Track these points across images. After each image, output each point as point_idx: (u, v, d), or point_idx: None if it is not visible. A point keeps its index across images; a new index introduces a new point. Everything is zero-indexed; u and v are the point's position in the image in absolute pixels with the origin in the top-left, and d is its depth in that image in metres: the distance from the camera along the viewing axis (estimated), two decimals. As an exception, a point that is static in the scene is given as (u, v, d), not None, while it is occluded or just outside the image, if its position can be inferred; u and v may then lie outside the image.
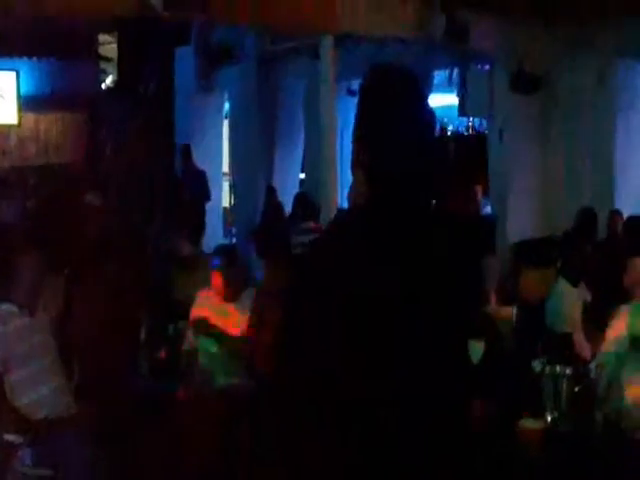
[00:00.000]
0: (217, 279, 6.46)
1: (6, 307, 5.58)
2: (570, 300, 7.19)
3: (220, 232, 13.47)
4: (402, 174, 2.73)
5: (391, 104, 2.74)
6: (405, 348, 2.72)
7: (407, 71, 2.86)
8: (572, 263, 7.52)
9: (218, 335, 6.18)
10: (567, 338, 6.81)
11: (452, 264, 2.80)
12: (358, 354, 2.70)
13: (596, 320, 7.35)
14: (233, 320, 6.23)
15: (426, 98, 2.89)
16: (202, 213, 12.53)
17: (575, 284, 7.31)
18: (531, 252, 9.11)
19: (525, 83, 11.48)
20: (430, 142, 2.80)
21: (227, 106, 14.57)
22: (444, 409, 2.79)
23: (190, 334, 6.30)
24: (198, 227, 11.37)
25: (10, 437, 5.09)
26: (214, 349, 6.19)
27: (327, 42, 9.53)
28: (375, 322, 2.69)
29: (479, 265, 3.08)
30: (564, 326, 6.99)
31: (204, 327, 6.21)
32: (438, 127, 17.10)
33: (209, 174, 13.40)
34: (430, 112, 2.81)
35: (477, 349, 4.72)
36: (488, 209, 12.77)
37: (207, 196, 12.99)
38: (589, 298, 7.54)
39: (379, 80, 2.82)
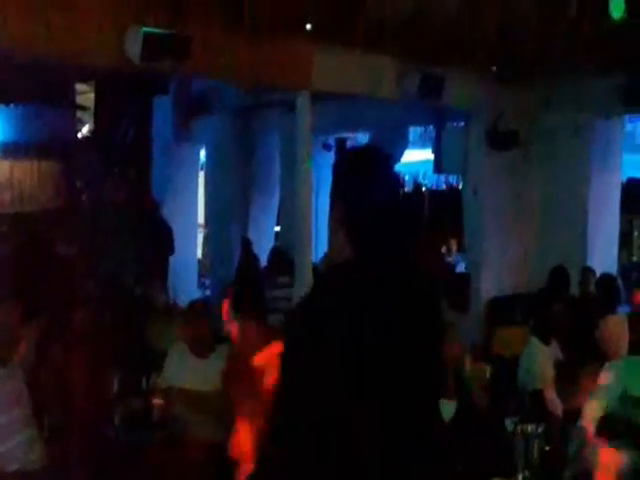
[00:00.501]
0: (189, 334, 6.44)
1: (-22, 358, 5.56)
2: (541, 358, 7.25)
3: (195, 284, 13.45)
4: (381, 234, 3.02)
5: (367, 174, 3.05)
6: (398, 394, 2.95)
7: (379, 149, 3.28)
8: (543, 321, 7.57)
9: (188, 398, 6.13)
10: (538, 396, 6.86)
11: (431, 315, 3.13)
12: (359, 402, 2.89)
13: (568, 378, 7.40)
14: (204, 376, 6.17)
15: (394, 170, 3.20)
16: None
17: (546, 342, 7.37)
18: (504, 310, 9.21)
19: (500, 139, 11.56)
20: (403, 204, 3.16)
21: (204, 157, 14.62)
22: (432, 449, 3.05)
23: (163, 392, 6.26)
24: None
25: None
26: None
27: (304, 97, 9.61)
28: (371, 370, 2.90)
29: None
30: (535, 384, 7.04)
31: (174, 395, 6.14)
32: (414, 183, 17.27)
33: (184, 225, 13.40)
34: (398, 180, 3.27)
35: (449, 408, 4.74)
36: (462, 265, 12.84)
37: (171, 250, 12.91)
38: (560, 356, 7.58)
39: (357, 156, 3.24)
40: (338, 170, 3.16)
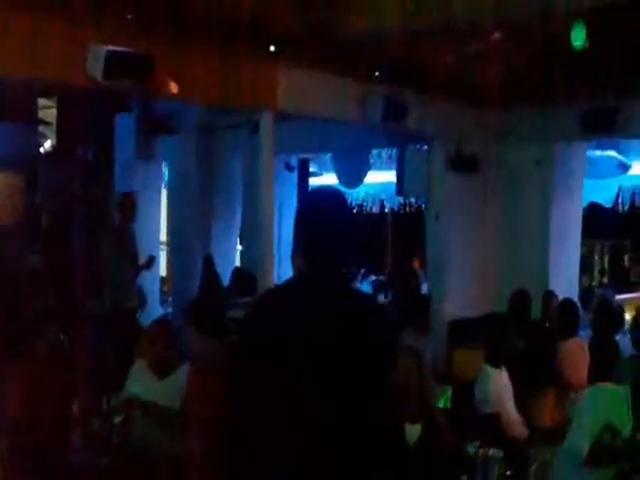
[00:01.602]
0: (150, 353, 6.41)
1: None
2: (495, 381, 7.27)
3: (157, 301, 13.37)
4: (323, 262, 3.50)
5: (320, 215, 3.59)
6: (330, 400, 3.32)
7: (334, 191, 3.84)
8: (497, 345, 7.59)
9: (150, 411, 6.10)
10: (494, 419, 6.89)
11: (367, 338, 3.46)
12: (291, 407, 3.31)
13: (528, 401, 7.45)
14: (164, 395, 6.13)
15: (348, 207, 3.84)
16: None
17: (499, 367, 7.37)
18: (464, 333, 9.25)
19: (462, 163, 11.63)
20: (347, 237, 3.59)
21: (166, 175, 14.57)
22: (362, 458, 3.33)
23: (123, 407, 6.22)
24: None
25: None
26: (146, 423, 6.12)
27: (266, 117, 9.63)
28: (304, 379, 3.34)
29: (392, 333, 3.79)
30: (489, 407, 7.07)
31: (136, 407, 6.11)
32: (378, 204, 17.29)
33: (147, 242, 13.34)
34: (350, 216, 3.85)
35: (413, 432, 4.76)
36: (425, 286, 12.90)
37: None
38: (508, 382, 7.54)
39: (313, 199, 3.86)
40: (299, 206, 3.88)
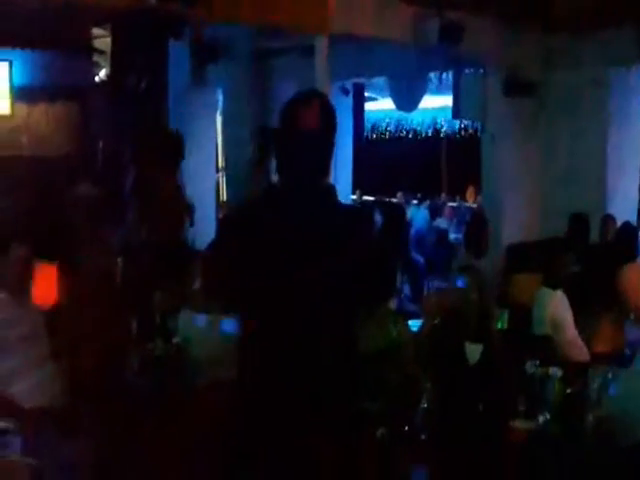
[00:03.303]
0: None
1: (-3, 295, 5.58)
2: (553, 304, 7.22)
3: (213, 227, 13.40)
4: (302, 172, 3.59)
5: (294, 120, 3.67)
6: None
7: (314, 94, 3.89)
8: (555, 269, 7.53)
9: None
10: (546, 341, 6.85)
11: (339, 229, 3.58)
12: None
13: (585, 325, 7.39)
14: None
15: (330, 112, 3.72)
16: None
17: (556, 289, 7.30)
18: (522, 256, 9.17)
19: (518, 87, 11.50)
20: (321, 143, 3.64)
21: (221, 102, 14.52)
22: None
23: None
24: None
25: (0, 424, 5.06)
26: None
27: (321, 41, 9.51)
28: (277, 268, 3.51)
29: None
30: (543, 329, 7.03)
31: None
32: (432, 128, 17.16)
33: (202, 169, 13.39)
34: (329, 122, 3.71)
35: (475, 351, 4.74)
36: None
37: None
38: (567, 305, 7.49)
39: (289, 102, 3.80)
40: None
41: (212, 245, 3.93)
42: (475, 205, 15.85)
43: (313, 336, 3.54)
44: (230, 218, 4.13)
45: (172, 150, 10.37)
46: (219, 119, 14.37)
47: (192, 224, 10.88)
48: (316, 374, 3.54)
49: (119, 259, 7.78)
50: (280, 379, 3.56)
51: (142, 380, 6.01)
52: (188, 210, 10.79)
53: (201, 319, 6.34)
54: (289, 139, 3.63)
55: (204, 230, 11.94)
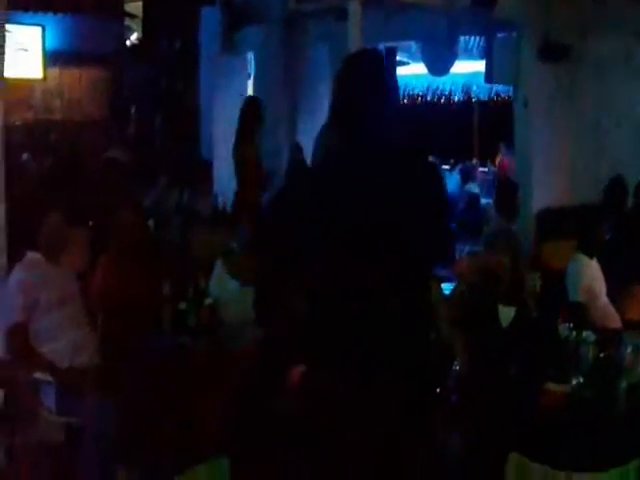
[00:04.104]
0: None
1: (32, 255, 5.62)
2: (587, 270, 7.18)
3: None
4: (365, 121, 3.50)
5: (356, 75, 3.59)
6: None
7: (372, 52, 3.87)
8: (590, 235, 7.48)
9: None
10: (580, 308, 6.82)
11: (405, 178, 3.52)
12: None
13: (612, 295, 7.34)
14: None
15: (390, 69, 3.78)
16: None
17: (592, 257, 7.27)
18: (554, 222, 9.11)
19: (552, 51, 11.37)
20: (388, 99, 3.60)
21: (252, 66, 14.49)
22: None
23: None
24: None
25: (38, 375, 5.09)
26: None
27: (354, 4, 9.44)
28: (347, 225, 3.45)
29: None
30: (576, 296, 6.99)
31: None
32: (463, 94, 17.05)
33: (232, 133, 13.41)
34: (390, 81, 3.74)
35: (507, 314, 4.74)
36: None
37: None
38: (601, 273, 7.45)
39: (346, 61, 3.75)
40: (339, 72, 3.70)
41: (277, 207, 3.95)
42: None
43: (382, 302, 3.45)
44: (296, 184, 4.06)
45: (251, 116, 10.33)
46: (250, 84, 14.33)
47: (265, 190, 10.85)
48: (387, 340, 3.44)
49: (151, 222, 7.82)
50: (350, 345, 3.45)
51: (173, 341, 6.05)
52: (265, 175, 10.76)
53: (234, 282, 6.37)
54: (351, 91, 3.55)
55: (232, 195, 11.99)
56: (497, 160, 15.55)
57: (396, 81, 3.74)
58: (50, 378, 5.07)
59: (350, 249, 3.46)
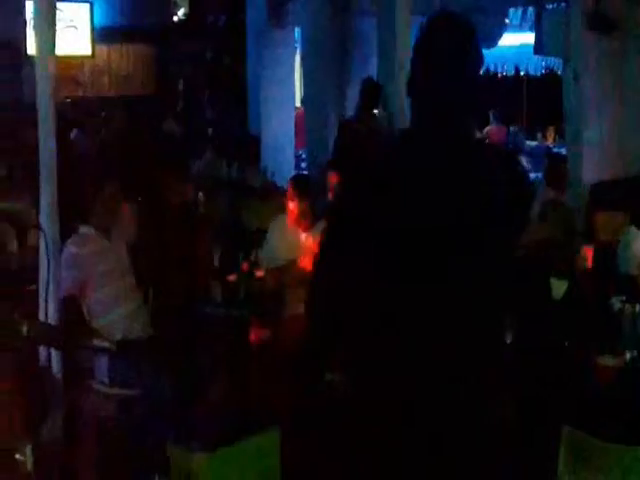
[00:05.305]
0: (292, 208, 6.46)
1: (84, 229, 5.67)
2: (638, 244, 7.10)
3: (291, 165, 13.44)
4: (444, 104, 2.95)
5: (437, 46, 2.98)
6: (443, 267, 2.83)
7: (457, 17, 3.08)
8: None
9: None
10: (633, 281, 6.74)
11: (494, 189, 2.89)
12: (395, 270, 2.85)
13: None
14: (305, 249, 6.22)
15: (473, 42, 3.03)
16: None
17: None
18: (605, 196, 9.01)
19: (603, 22, 11.22)
20: (471, 77, 2.99)
21: (299, 39, 14.45)
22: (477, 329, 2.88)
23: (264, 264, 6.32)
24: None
25: (96, 341, 5.13)
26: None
27: (402, -24, 9.40)
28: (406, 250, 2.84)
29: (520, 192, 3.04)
30: (629, 268, 6.92)
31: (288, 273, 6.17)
32: (512, 67, 16.92)
33: (280, 107, 13.40)
34: (476, 53, 3.02)
35: (560, 287, 4.70)
36: (563, 150, 12.62)
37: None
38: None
39: (431, 26, 3.05)
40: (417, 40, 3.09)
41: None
42: (554, 144, 15.64)
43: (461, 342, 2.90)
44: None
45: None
46: (297, 57, 14.31)
47: None
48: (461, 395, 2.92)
49: (201, 193, 7.86)
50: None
51: (224, 311, 6.08)
52: None
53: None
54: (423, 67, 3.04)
55: (283, 168, 12.01)
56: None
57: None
58: (103, 348, 5.10)
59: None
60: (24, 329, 3.15)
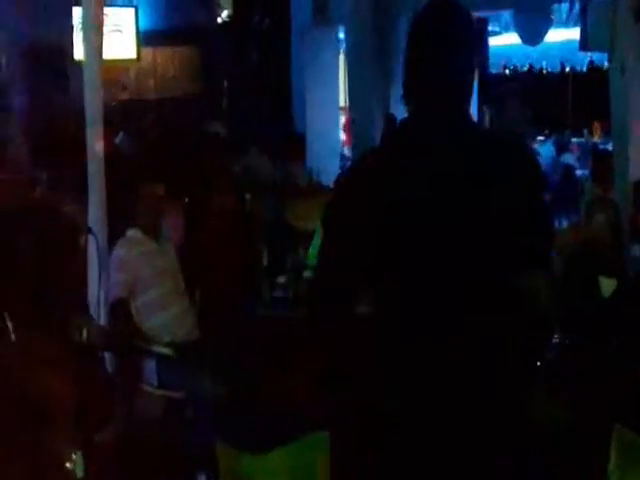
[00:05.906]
0: None
1: (132, 232, 5.71)
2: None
3: (337, 165, 13.44)
4: (433, 93, 2.90)
5: (424, 33, 2.94)
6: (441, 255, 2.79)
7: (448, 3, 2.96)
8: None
9: None
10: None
11: (492, 174, 2.83)
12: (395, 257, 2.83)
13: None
14: None
15: (466, 26, 2.95)
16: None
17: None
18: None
19: (648, 15, 11.11)
20: (464, 62, 2.91)
21: (343, 39, 14.45)
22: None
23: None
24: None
25: (155, 347, 5.15)
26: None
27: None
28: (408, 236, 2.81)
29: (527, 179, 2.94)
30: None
31: None
32: (557, 63, 16.81)
33: (325, 107, 13.42)
34: (470, 38, 2.95)
35: (608, 286, 4.67)
36: (609, 147, 12.51)
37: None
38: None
39: (420, 15, 2.99)
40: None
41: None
42: (601, 140, 15.53)
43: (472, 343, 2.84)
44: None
45: None
46: (342, 56, 14.31)
47: None
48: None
49: (247, 195, 7.87)
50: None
51: (272, 313, 6.09)
52: None
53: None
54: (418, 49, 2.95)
55: (327, 165, 12.01)
56: (593, 130, 15.30)
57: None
58: (152, 350, 5.14)
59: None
60: (83, 334, 3.16)
